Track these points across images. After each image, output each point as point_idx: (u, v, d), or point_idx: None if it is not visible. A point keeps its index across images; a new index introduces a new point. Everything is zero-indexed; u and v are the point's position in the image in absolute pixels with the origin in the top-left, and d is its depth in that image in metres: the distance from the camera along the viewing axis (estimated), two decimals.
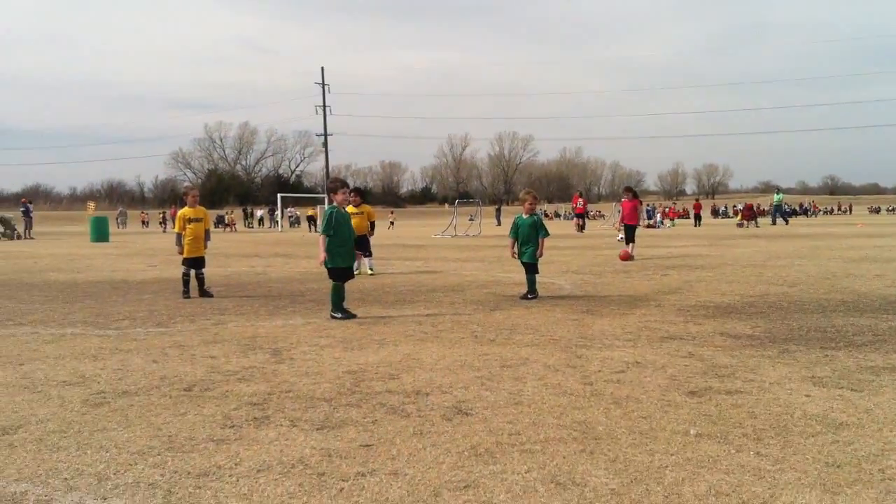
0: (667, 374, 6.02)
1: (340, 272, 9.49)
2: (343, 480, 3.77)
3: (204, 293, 11.82)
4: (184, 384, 5.90)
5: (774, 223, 47.43)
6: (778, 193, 51.20)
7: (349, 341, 7.67)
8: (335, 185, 9.76)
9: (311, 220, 57.34)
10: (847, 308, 9.63)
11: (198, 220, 12.08)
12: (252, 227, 59.59)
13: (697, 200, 57.55)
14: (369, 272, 15.27)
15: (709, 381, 5.78)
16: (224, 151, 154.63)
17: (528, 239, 11.23)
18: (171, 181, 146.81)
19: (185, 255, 11.90)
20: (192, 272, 11.89)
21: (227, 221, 61.92)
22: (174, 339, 7.91)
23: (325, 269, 9.54)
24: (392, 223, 63.48)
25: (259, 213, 76.57)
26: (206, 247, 12.23)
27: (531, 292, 11.08)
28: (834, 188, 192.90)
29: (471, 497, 3.54)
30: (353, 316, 9.24)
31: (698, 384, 5.67)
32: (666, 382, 5.76)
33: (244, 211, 79.58)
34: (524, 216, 11.41)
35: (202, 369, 6.42)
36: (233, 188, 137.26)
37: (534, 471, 3.88)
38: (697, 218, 52.14)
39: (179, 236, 11.94)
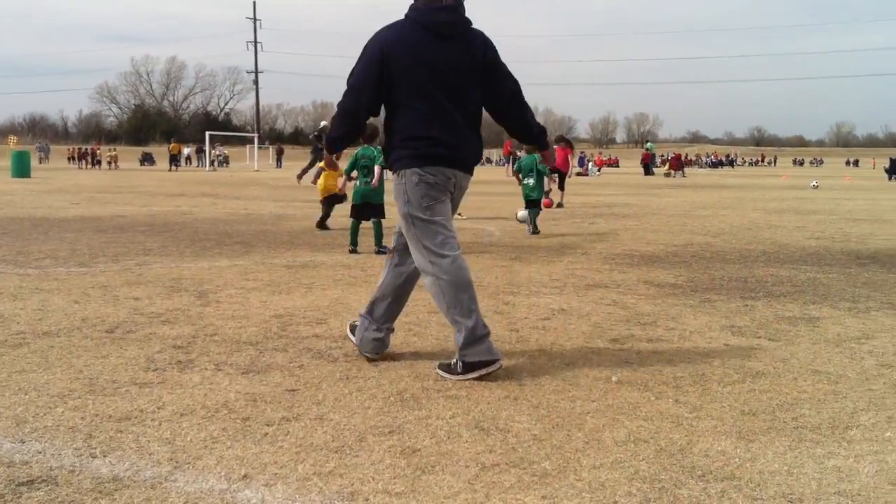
0: (591, 322, 6.11)
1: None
2: (268, 425, 3.77)
3: None
4: (106, 326, 5.80)
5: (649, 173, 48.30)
6: (647, 143, 52.67)
7: (276, 285, 7.62)
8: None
9: (174, 159, 53.58)
10: (767, 259, 9.87)
11: None
12: (179, 166, 58.02)
13: (647, 150, 57.42)
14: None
15: (631, 328, 5.89)
16: (151, 86, 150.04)
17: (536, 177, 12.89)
18: (95, 116, 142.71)
19: None
20: None
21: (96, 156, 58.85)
22: (96, 280, 7.76)
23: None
24: None
25: (186, 150, 74.94)
26: None
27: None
28: (760, 139, 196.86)
29: (395, 442, 3.56)
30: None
31: (621, 332, 5.78)
32: (590, 330, 5.86)
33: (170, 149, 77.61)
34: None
35: (125, 311, 6.31)
36: (159, 125, 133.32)
37: (458, 416, 3.92)
38: (647, 167, 51.92)
39: None
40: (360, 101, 4.63)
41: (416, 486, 3.10)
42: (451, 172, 4.65)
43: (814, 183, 34.07)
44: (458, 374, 4.53)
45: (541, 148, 5.29)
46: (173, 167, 52.75)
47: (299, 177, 29.89)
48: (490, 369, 4.51)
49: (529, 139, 5.00)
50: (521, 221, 13.41)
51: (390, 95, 4.60)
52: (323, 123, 33.93)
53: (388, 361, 4.91)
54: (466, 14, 4.67)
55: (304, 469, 3.26)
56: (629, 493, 3.05)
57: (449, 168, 4.62)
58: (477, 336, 4.51)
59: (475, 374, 4.50)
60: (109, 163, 57.07)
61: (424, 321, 6.06)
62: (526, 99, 4.83)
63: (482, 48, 4.67)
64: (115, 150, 61.10)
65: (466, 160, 4.72)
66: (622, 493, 3.06)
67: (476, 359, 4.51)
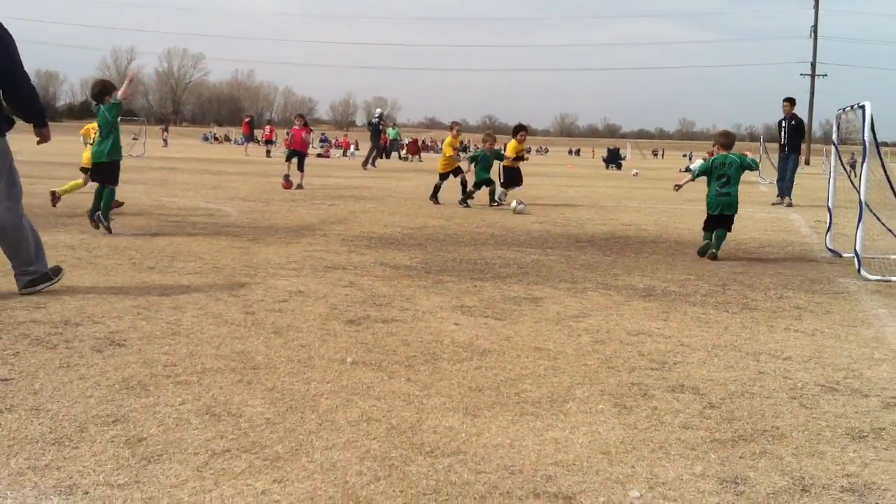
0: (328, 304, 6.14)
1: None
2: None
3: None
4: None
5: (388, 157, 49.10)
6: (394, 128, 53.86)
7: None
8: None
9: None
10: (496, 242, 10.34)
11: None
12: None
13: (386, 135, 57.41)
14: None
15: (367, 310, 5.98)
16: None
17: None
18: None
19: None
20: None
21: None
22: None
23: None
24: (166, 141, 58.44)
25: None
26: None
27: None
28: (491, 127, 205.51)
29: (119, 431, 3.41)
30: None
31: (357, 313, 5.85)
32: (327, 311, 5.88)
33: None
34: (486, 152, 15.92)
35: None
36: None
37: (188, 402, 3.82)
38: (387, 151, 51.90)
39: None
40: None
41: (141, 477, 2.98)
42: None
43: (634, 172, 36.98)
44: None
45: (38, 129, 6.61)
46: None
47: (365, 165, 30.45)
48: None
49: (36, 125, 6.51)
50: (518, 212, 14.41)
51: None
52: (379, 111, 34.59)
53: (115, 347, 4.69)
54: None
55: (18, 463, 3.04)
56: (360, 473, 3.11)
57: None
58: None
59: None
60: None
61: (155, 304, 5.83)
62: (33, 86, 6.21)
63: None
64: None
65: None
66: (353, 472, 3.11)
67: None
